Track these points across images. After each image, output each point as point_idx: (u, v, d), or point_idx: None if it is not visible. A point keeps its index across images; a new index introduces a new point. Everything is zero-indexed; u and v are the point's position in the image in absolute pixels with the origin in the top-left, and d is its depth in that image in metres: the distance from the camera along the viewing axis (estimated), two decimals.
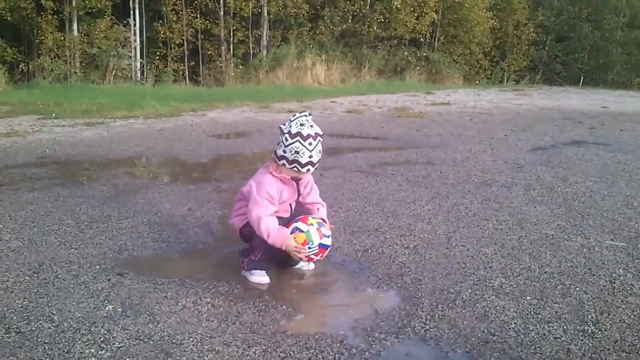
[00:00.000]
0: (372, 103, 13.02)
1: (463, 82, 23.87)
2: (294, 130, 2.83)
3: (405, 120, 10.31)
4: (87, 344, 2.28)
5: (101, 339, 2.32)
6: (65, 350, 2.24)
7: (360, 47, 21.21)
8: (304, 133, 2.82)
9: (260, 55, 19.40)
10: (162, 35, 18.53)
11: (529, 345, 2.39)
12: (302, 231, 2.87)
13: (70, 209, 4.22)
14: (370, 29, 21.37)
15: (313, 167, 2.91)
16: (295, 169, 2.87)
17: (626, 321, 2.64)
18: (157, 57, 18.55)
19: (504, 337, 2.44)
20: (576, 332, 2.52)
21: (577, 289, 2.99)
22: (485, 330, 2.50)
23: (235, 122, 9.31)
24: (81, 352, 2.22)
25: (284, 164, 2.88)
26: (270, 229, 2.82)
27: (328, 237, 2.94)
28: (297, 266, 3.18)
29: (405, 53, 22.47)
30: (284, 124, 2.89)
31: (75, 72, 15.80)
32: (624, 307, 2.79)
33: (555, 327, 2.55)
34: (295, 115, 2.90)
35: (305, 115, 2.90)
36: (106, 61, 15.84)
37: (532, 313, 2.69)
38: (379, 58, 21.07)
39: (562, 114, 11.87)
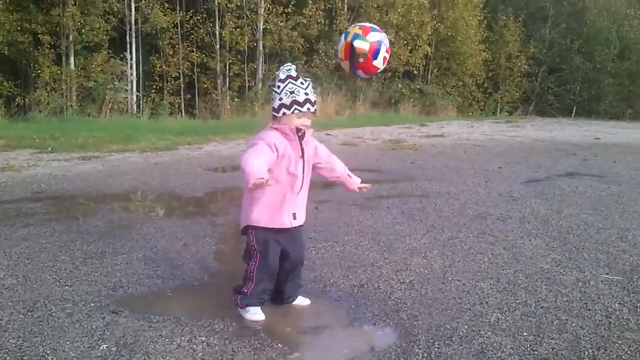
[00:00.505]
0: (366, 135, 13.10)
1: (457, 114, 24.08)
2: (283, 76, 2.84)
3: (400, 152, 10.37)
4: None
5: None
6: None
7: (354, 79, 21.42)
8: (294, 75, 2.83)
9: (255, 88, 19.57)
10: (159, 69, 18.68)
11: None
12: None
13: (65, 245, 4.21)
14: None
15: (312, 106, 2.86)
16: (296, 111, 2.81)
17: (623, 357, 2.63)
18: (154, 90, 18.68)
19: None
20: None
21: (574, 324, 2.98)
22: None
23: (232, 155, 9.34)
24: None
25: (284, 113, 2.83)
26: (248, 159, 2.66)
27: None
28: (295, 302, 3.15)
29: (399, 85, 22.70)
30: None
31: (71, 106, 15.90)
32: (620, 342, 2.78)
33: None
34: (280, 67, 2.92)
35: (290, 65, 2.90)
36: (102, 94, 15.95)
37: (529, 349, 2.68)
38: (373, 90, 21.28)
39: (555, 146, 11.96)
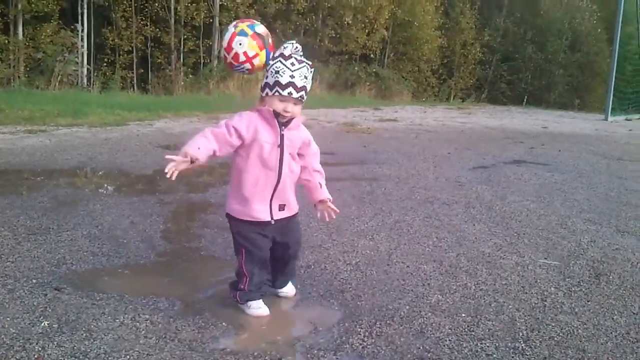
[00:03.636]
0: (321, 117, 13.12)
1: (411, 99, 24.34)
2: (277, 54, 2.60)
3: (354, 135, 10.44)
4: None
5: (35, 356, 2.27)
6: None
7: (311, 61, 21.33)
8: (286, 53, 2.57)
9: (210, 65, 19.31)
10: (111, 42, 18.24)
11: None
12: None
13: (8, 220, 4.11)
14: (322, 44, 21.59)
15: (296, 91, 2.57)
16: (276, 92, 2.54)
17: (555, 338, 2.75)
18: (105, 64, 18.24)
19: (438, 354, 2.52)
20: (507, 349, 2.61)
21: (510, 306, 3.09)
22: (421, 347, 2.57)
23: (183, 133, 9.22)
24: None
25: (266, 94, 2.59)
26: (192, 138, 2.54)
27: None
28: (281, 290, 3.03)
29: (356, 68, 22.80)
30: None
31: (19, 77, 15.38)
32: (553, 324, 2.90)
33: (487, 344, 2.64)
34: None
35: (292, 43, 2.62)
36: (52, 66, 15.48)
37: (467, 330, 2.77)
38: (330, 72, 21.29)
39: (505, 134, 12.24)
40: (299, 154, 2.80)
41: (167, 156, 2.45)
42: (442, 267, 3.65)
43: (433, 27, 25.82)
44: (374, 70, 23.62)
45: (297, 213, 2.89)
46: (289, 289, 3.03)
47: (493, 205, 5.35)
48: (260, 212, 2.68)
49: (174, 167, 2.43)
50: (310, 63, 2.64)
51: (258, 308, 2.81)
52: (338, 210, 2.87)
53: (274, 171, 2.66)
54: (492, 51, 29.24)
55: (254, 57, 2.63)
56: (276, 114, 2.60)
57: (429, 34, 25.37)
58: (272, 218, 2.71)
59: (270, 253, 2.80)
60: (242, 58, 2.63)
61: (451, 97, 27.52)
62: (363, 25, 22.62)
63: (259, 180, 2.65)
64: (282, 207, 2.75)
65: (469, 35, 27.89)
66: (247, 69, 2.66)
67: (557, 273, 3.68)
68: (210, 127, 2.61)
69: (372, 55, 24.51)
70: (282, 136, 2.64)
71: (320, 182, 2.87)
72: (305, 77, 2.61)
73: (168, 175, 2.42)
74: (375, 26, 23.14)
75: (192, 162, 2.48)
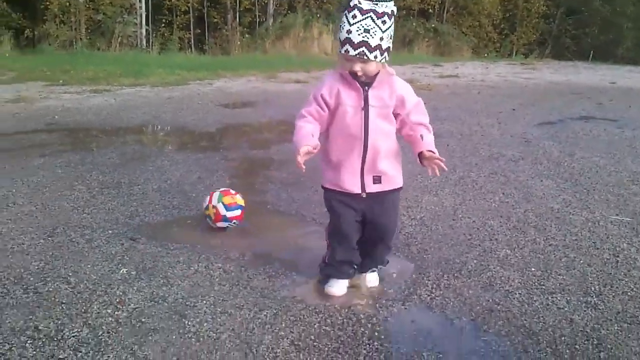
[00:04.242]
0: None
1: (472, 55, 23.65)
2: (345, 4, 2.24)
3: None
4: (103, 304, 2.36)
5: (117, 300, 2.39)
6: (83, 310, 2.31)
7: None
8: (352, 3, 2.19)
9: (266, 24, 19.23)
10: (168, 2, 18.37)
11: (532, 315, 2.44)
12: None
13: (81, 175, 4.28)
14: None
15: (353, 48, 2.17)
16: (340, 51, 2.24)
17: (629, 293, 2.69)
18: (163, 25, 18.42)
19: (508, 307, 2.50)
20: (579, 303, 2.57)
21: (581, 261, 3.03)
22: (490, 300, 2.56)
23: (242, 92, 9.30)
24: (98, 312, 2.30)
25: (339, 51, 2.26)
26: (297, 128, 2.31)
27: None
28: (364, 274, 2.67)
29: (414, 24, 22.23)
30: None
31: (80, 39, 15.72)
32: (626, 279, 2.84)
33: (558, 298, 2.61)
34: None
35: None
36: (112, 28, 15.75)
37: (536, 284, 2.74)
38: None
39: (571, 89, 11.79)
40: (395, 114, 2.41)
41: (300, 162, 2.21)
42: (509, 222, 3.59)
43: None
44: (433, 25, 22.98)
45: (400, 189, 2.55)
46: (372, 279, 2.68)
47: (561, 162, 5.20)
48: (350, 183, 2.38)
49: (303, 160, 2.21)
50: (381, 11, 2.18)
51: (332, 285, 2.57)
52: (444, 159, 2.39)
53: (360, 137, 2.32)
54: (557, 4, 27.89)
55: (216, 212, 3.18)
56: (354, 74, 2.27)
57: None
58: (363, 190, 2.40)
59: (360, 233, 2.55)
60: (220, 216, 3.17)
61: (513, 52, 26.58)
62: None
63: (344, 147, 2.36)
64: (377, 179, 2.41)
65: None
66: (235, 217, 3.22)
67: (629, 229, 3.57)
68: (305, 108, 2.35)
69: (430, 10, 23.82)
70: (366, 97, 2.30)
71: (421, 134, 2.43)
72: (367, 31, 2.16)
73: (303, 169, 2.19)
74: None
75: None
